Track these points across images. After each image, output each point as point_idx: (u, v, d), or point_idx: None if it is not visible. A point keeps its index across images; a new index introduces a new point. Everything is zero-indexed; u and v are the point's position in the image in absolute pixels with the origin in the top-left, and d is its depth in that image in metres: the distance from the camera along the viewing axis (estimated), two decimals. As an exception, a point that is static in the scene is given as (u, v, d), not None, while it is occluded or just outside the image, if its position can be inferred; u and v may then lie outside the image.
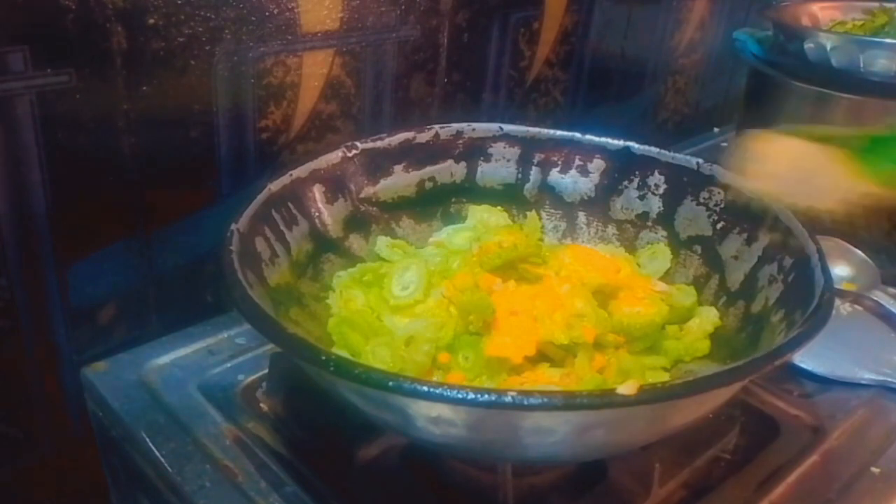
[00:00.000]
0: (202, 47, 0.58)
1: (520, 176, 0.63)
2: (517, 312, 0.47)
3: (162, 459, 0.50)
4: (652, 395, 0.35)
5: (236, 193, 0.64)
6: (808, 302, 0.43)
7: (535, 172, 0.63)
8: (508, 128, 0.63)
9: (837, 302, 0.60)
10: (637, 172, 0.61)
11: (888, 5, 0.90)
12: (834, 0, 0.93)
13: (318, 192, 0.56)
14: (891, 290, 0.71)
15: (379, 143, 0.60)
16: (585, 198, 0.63)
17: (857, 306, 0.69)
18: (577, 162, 0.63)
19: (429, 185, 0.62)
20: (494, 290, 0.49)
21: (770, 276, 0.50)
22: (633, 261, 0.59)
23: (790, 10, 0.90)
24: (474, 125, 0.63)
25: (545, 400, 0.34)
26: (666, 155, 0.60)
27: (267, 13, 0.60)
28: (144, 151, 0.58)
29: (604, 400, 0.35)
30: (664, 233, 0.60)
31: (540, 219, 0.63)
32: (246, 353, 0.61)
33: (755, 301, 0.51)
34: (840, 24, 0.90)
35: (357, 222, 0.58)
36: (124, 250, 0.60)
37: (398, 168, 0.61)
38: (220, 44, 0.58)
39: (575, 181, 0.63)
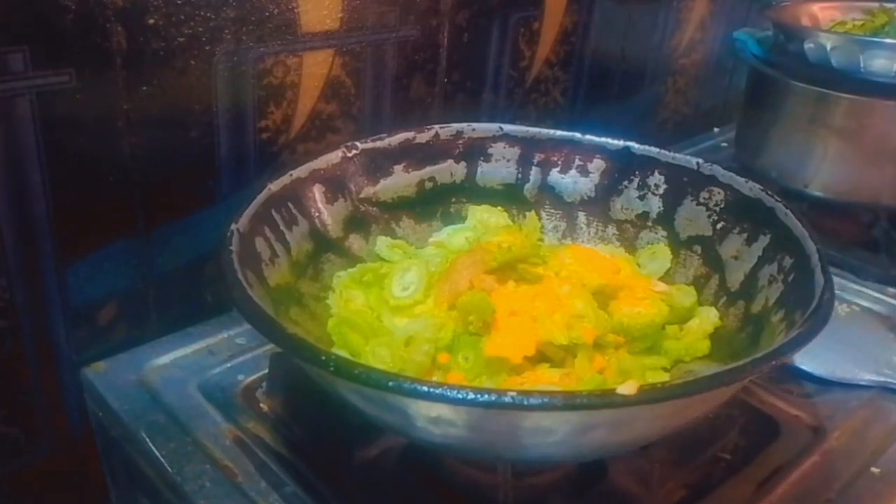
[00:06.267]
0: (202, 47, 0.58)
1: (520, 176, 0.63)
2: (517, 313, 0.47)
3: (162, 459, 0.50)
4: (652, 395, 0.35)
5: (236, 193, 0.64)
6: (808, 302, 0.43)
7: (535, 172, 0.63)
8: (508, 128, 0.63)
9: (837, 303, 0.60)
10: (637, 172, 0.61)
11: (888, 5, 0.90)
12: (834, 0, 0.93)
13: (318, 192, 0.56)
14: (890, 289, 0.72)
15: (379, 143, 0.60)
16: (585, 198, 0.63)
17: (856, 307, 0.69)
18: (577, 162, 0.63)
19: (429, 185, 0.62)
20: (494, 290, 0.49)
21: (770, 276, 0.50)
22: (633, 261, 0.59)
23: (790, 10, 0.90)
24: (474, 125, 0.63)
25: (545, 400, 0.34)
26: (666, 155, 0.60)
27: (267, 13, 0.60)
28: (144, 151, 0.57)
29: (604, 400, 0.35)
30: (664, 233, 0.60)
31: (540, 219, 0.63)
32: (246, 353, 0.61)
33: (755, 301, 0.50)
34: (840, 24, 0.90)
35: (357, 222, 0.58)
36: (124, 250, 0.59)
37: (398, 168, 0.61)
38: (220, 44, 0.58)
39: (575, 181, 0.63)
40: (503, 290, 0.49)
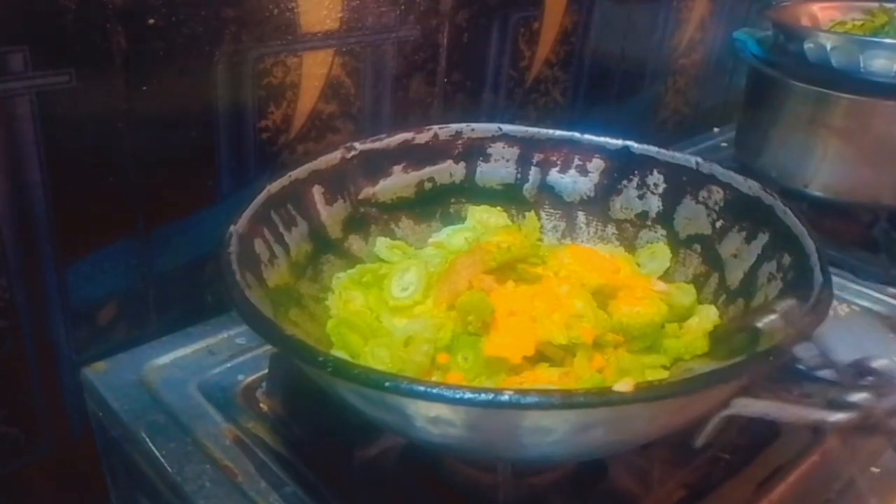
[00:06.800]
0: (202, 47, 0.58)
1: (519, 176, 0.63)
2: (516, 313, 0.47)
3: (162, 459, 0.50)
4: (648, 393, 0.35)
5: (236, 193, 0.64)
6: (806, 300, 0.43)
7: (534, 172, 0.63)
8: (507, 128, 0.63)
9: (836, 302, 0.60)
10: (636, 172, 0.61)
11: (888, 5, 0.90)
12: (834, 0, 0.93)
13: (317, 193, 0.56)
14: (891, 289, 0.71)
15: (378, 144, 0.60)
16: (585, 197, 0.63)
17: (856, 307, 0.69)
18: (577, 162, 0.63)
19: (428, 185, 0.62)
20: (493, 290, 0.49)
21: (769, 274, 0.50)
22: (632, 260, 0.59)
23: (790, 10, 0.90)
24: (473, 125, 0.63)
25: (542, 399, 0.34)
26: (665, 154, 0.60)
27: (267, 13, 0.60)
28: (144, 151, 0.58)
29: (601, 398, 0.35)
30: (664, 232, 0.60)
31: (539, 219, 0.63)
32: (246, 353, 0.61)
33: (755, 299, 0.50)
34: (840, 24, 0.90)
35: (356, 223, 0.58)
36: (124, 250, 0.60)
37: (397, 169, 0.61)
38: (220, 44, 0.59)
39: (574, 181, 0.63)
40: (502, 290, 0.49)
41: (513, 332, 0.47)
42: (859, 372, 0.35)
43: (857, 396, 0.33)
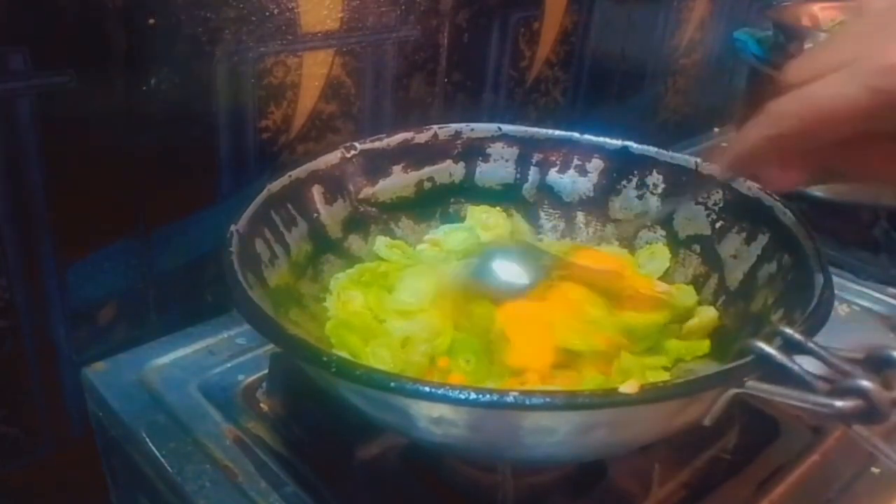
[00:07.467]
0: (202, 47, 0.58)
1: (518, 176, 0.63)
2: (531, 320, 0.47)
3: (162, 459, 0.50)
4: (654, 395, 0.35)
5: (236, 193, 0.64)
6: (807, 301, 0.43)
7: (533, 172, 0.63)
8: (507, 128, 0.63)
9: (836, 302, 0.60)
10: (636, 172, 0.61)
11: (887, 5, 0.90)
12: (834, 0, 0.93)
13: (317, 192, 0.56)
14: (891, 289, 0.72)
15: (377, 144, 0.60)
16: (584, 197, 0.63)
17: (856, 307, 0.69)
18: (576, 162, 0.63)
19: (427, 185, 0.62)
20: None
21: (769, 275, 0.50)
22: (632, 261, 0.59)
23: (790, 10, 0.90)
24: (473, 125, 0.63)
25: (548, 400, 0.34)
26: (664, 154, 0.60)
27: (267, 13, 0.60)
28: (144, 151, 0.57)
29: (606, 399, 0.35)
30: (663, 232, 0.60)
31: (538, 218, 0.63)
32: (246, 353, 0.61)
33: (755, 300, 0.50)
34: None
35: (356, 223, 0.58)
36: (124, 250, 0.59)
37: (397, 168, 0.61)
38: (220, 44, 0.58)
39: (573, 181, 0.63)
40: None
41: (532, 341, 0.47)
42: (872, 362, 0.35)
43: (865, 384, 0.33)
